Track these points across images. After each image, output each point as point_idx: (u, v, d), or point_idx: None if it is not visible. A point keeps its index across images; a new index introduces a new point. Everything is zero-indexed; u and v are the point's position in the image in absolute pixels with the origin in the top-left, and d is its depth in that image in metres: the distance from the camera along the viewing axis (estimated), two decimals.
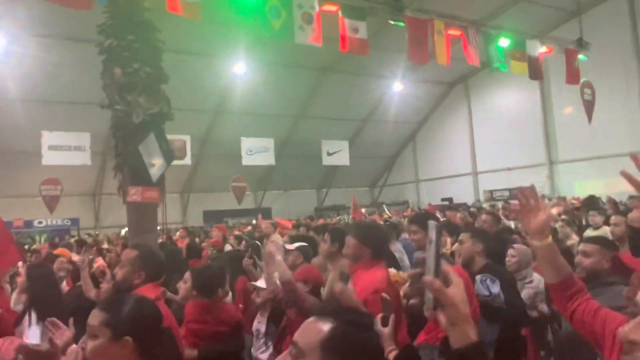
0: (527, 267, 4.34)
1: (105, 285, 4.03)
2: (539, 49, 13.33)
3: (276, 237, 7.77)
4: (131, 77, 5.14)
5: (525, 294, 4.19)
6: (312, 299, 3.51)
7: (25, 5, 13.78)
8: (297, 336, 1.37)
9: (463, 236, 3.99)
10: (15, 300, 4.31)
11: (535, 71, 13.76)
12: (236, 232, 11.37)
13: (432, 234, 1.19)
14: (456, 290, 1.18)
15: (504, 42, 12.63)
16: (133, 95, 5.10)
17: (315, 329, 1.35)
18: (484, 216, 6.51)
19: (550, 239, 2.10)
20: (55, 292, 4.23)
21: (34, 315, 3.93)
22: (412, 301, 3.00)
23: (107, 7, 5.20)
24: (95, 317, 1.81)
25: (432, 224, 1.23)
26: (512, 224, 8.50)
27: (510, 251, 4.44)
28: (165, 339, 1.89)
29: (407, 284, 3.39)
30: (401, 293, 3.21)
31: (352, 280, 3.36)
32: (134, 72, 5.14)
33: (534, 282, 4.30)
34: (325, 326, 1.34)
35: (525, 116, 23.06)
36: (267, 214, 25.24)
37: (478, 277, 3.42)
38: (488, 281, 3.36)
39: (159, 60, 5.44)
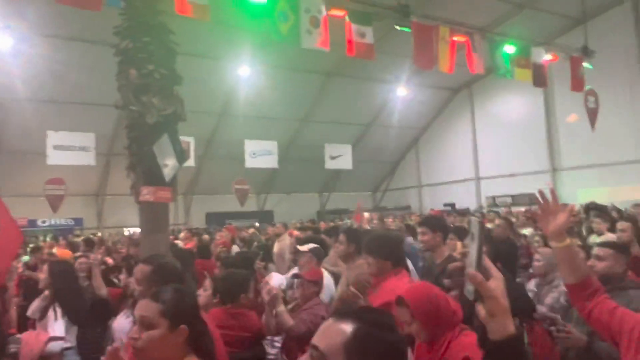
0: (554, 270, 4.24)
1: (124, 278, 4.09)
2: (544, 56, 13.39)
3: (286, 237, 7.82)
4: (146, 78, 5.21)
5: (551, 297, 4.15)
6: (302, 325, 3.51)
7: (34, 5, 13.89)
8: (318, 339, 1.32)
9: (421, 229, 4.15)
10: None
11: (540, 78, 13.83)
12: (244, 233, 11.41)
13: (475, 229, 1.25)
14: (496, 284, 1.24)
15: (509, 49, 12.70)
16: (147, 96, 5.17)
17: (337, 331, 1.30)
18: (497, 220, 6.58)
19: (568, 240, 2.15)
20: (77, 287, 4.30)
21: (58, 310, 4.00)
22: (452, 293, 3.08)
23: (123, 10, 5.28)
24: (150, 309, 1.86)
25: (474, 219, 1.32)
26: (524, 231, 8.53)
27: (535, 255, 4.44)
28: (206, 328, 1.97)
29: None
30: None
31: (377, 292, 3.42)
32: (148, 74, 5.21)
33: (562, 287, 4.13)
34: (348, 327, 1.30)
35: (528, 122, 23.13)
36: (269, 216, 25.31)
37: None
38: None
39: (172, 62, 5.52)
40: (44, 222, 20.68)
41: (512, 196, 23.46)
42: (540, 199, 2.23)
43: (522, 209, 18.33)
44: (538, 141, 22.85)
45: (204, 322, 2.00)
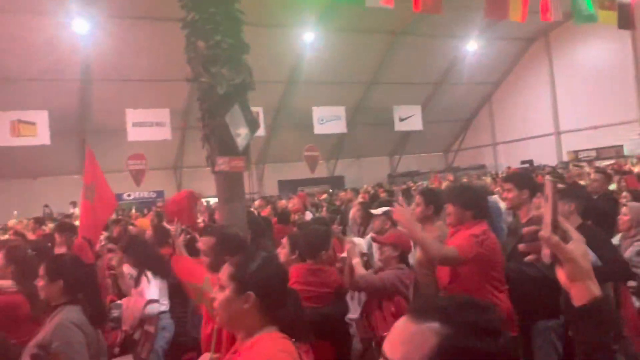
0: (639, 225, 4.10)
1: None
2: None
3: (356, 203, 7.77)
4: (214, 49, 5.24)
5: (630, 251, 3.99)
6: (386, 277, 3.47)
7: None
8: (390, 348, 0.99)
9: (506, 185, 3.78)
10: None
11: (626, 20, 12.64)
12: (315, 199, 11.48)
13: (549, 190, 1.15)
14: (575, 246, 1.12)
15: None
16: (216, 67, 5.21)
17: (417, 338, 0.97)
18: (593, 174, 6.20)
19: None
20: (155, 251, 4.53)
21: (149, 274, 4.25)
22: (529, 257, 2.94)
23: None
24: (224, 271, 1.89)
25: (548, 179, 1.20)
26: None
27: (623, 209, 4.23)
28: (291, 302, 1.94)
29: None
30: None
31: (449, 240, 3.33)
32: (216, 45, 5.23)
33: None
34: (432, 335, 0.96)
35: (614, 70, 21.41)
36: (339, 182, 25.41)
37: None
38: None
39: (239, 31, 5.51)
40: (128, 195, 21.91)
41: (597, 149, 22.03)
42: None
43: (609, 162, 17.18)
44: (626, 89, 21.15)
45: (294, 296, 1.97)
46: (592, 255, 3.10)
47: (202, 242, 3.18)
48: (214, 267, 2.82)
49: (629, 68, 21.10)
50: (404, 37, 21.51)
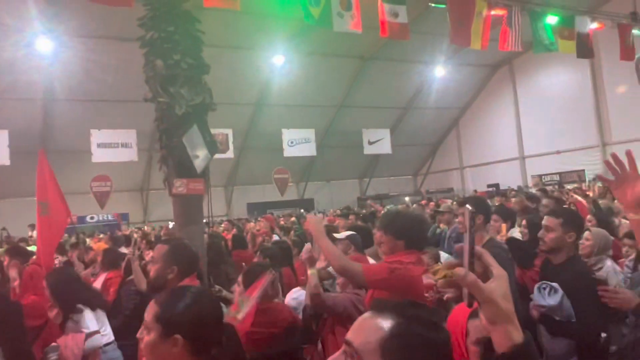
0: (601, 253, 3.89)
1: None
2: (589, 26, 12.70)
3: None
4: (173, 69, 5.15)
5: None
6: (339, 298, 3.38)
7: (69, 7, 14.18)
8: (352, 335, 1.17)
9: (550, 221, 3.22)
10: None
11: (585, 49, 13.12)
12: (282, 222, 11.38)
13: (466, 220, 1.04)
14: (496, 284, 1.03)
15: (552, 19, 12.10)
16: (175, 87, 5.11)
17: (374, 327, 1.15)
18: (545, 200, 6.10)
19: None
20: (79, 284, 4.27)
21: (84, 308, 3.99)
22: (447, 295, 2.82)
23: (147, 0, 5.22)
24: (149, 311, 1.73)
25: (467, 209, 1.10)
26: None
27: (585, 234, 3.93)
28: (227, 339, 1.78)
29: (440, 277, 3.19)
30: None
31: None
32: (175, 64, 5.14)
33: (602, 271, 3.77)
34: (386, 323, 1.14)
35: (575, 96, 22.11)
36: (309, 204, 25.30)
37: (538, 284, 3.10)
38: (547, 290, 2.99)
39: (199, 50, 5.43)
40: (92, 218, 21.32)
41: (560, 174, 22.56)
42: (614, 164, 1.97)
43: (571, 187, 17.58)
44: (586, 115, 21.82)
45: (230, 332, 1.82)
46: (565, 308, 2.91)
47: (155, 250, 3.06)
48: (160, 277, 2.77)
49: (588, 95, 21.81)
50: (373, 61, 21.81)
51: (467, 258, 1.03)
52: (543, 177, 23.46)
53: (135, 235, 10.79)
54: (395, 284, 2.80)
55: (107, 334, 4.10)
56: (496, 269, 1.05)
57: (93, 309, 4.00)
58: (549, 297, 2.98)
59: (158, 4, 5.15)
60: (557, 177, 22.52)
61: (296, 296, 4.26)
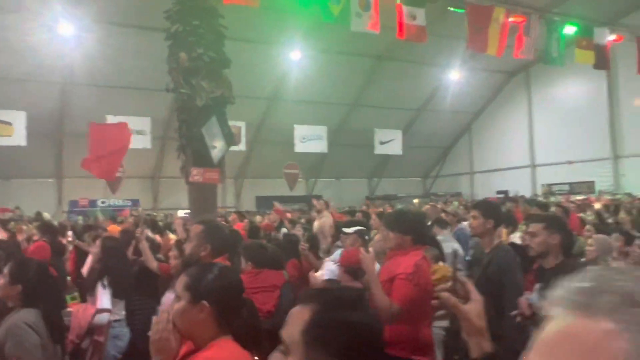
0: (604, 256, 4.27)
1: (174, 261, 4.24)
2: (608, 37, 12.72)
3: (326, 214, 7.74)
4: (195, 61, 5.32)
5: None
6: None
7: None
8: (283, 330, 1.20)
9: (534, 227, 3.36)
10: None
11: (602, 60, 13.15)
12: (289, 215, 11.49)
13: (450, 255, 1.49)
14: (472, 306, 1.33)
15: (570, 29, 12.14)
16: (197, 79, 5.28)
17: (297, 318, 1.19)
18: (553, 208, 6.25)
19: None
20: (126, 262, 4.49)
21: (106, 284, 4.20)
22: (439, 313, 3.04)
23: None
24: (180, 281, 1.92)
25: (453, 252, 1.59)
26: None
27: (589, 241, 4.40)
28: (246, 310, 1.97)
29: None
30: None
31: (385, 264, 3.39)
32: (198, 57, 5.31)
33: None
34: (306, 313, 1.17)
35: (590, 107, 22.04)
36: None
37: (537, 286, 3.21)
38: (537, 295, 3.09)
39: (221, 45, 5.60)
40: (103, 202, 21.59)
41: (570, 184, 22.52)
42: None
43: (580, 197, 17.59)
44: (599, 127, 21.75)
45: (250, 306, 2.00)
46: None
47: (192, 229, 3.31)
48: (194, 254, 3.03)
49: (603, 107, 21.73)
50: (388, 62, 21.86)
51: (451, 284, 1.40)
52: (553, 186, 23.43)
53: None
54: (419, 294, 3.02)
55: (119, 313, 4.31)
56: (474, 294, 1.37)
57: (116, 295, 4.22)
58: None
59: None
60: (567, 187, 22.48)
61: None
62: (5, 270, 2.85)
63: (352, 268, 3.64)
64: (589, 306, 0.58)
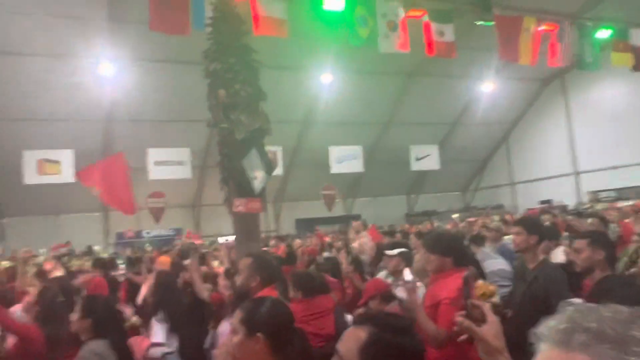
0: None
1: (225, 291, 4.38)
2: None
3: (364, 234, 7.80)
4: (233, 97, 5.54)
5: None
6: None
7: (130, 34, 15.09)
8: (340, 344, 1.45)
9: (579, 243, 3.42)
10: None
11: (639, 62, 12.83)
12: (326, 239, 11.55)
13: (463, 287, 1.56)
14: (488, 327, 1.42)
15: (604, 33, 11.93)
16: (235, 113, 5.49)
17: (355, 336, 1.43)
18: (590, 220, 6.13)
19: None
20: (179, 296, 4.66)
21: (160, 316, 4.37)
22: (461, 338, 3.01)
23: (210, 34, 5.65)
24: (236, 316, 2.07)
25: (465, 279, 1.66)
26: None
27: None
28: (297, 339, 2.09)
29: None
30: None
31: (429, 289, 3.41)
32: (235, 93, 5.53)
33: None
34: (364, 333, 1.42)
35: (631, 110, 21.41)
36: (356, 220, 25.33)
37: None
38: None
39: (257, 79, 5.81)
40: (148, 232, 22.21)
41: (617, 190, 21.78)
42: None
43: (630, 202, 16.98)
44: None
45: (300, 333, 2.12)
46: None
47: (241, 263, 3.50)
48: (245, 285, 3.19)
49: None
50: (420, 78, 21.89)
51: (466, 308, 1.49)
52: (599, 193, 22.71)
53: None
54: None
55: (172, 346, 4.45)
56: (490, 316, 1.46)
57: (171, 326, 4.38)
58: None
59: (221, 38, 5.57)
60: (614, 194, 21.74)
61: None
62: (78, 305, 3.10)
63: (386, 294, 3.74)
64: (567, 343, 0.75)
